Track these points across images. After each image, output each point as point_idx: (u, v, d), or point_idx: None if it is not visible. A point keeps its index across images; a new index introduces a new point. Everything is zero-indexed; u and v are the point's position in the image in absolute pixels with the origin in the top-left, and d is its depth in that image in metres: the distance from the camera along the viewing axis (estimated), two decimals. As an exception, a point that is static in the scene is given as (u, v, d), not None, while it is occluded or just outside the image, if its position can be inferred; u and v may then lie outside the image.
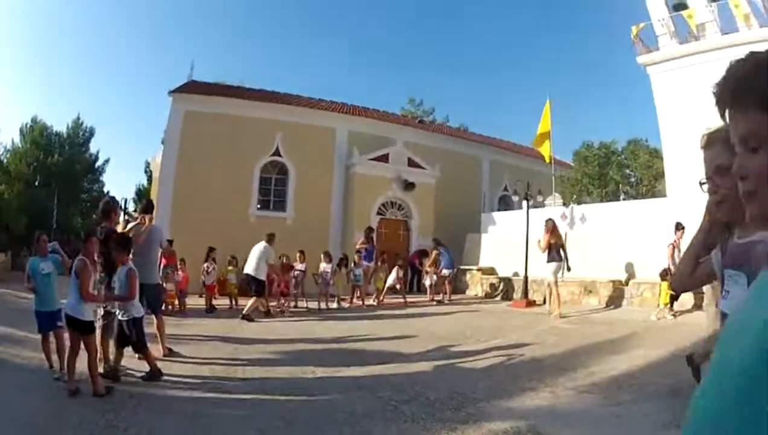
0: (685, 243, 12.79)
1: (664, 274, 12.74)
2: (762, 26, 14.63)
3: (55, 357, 7.04)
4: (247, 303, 13.75)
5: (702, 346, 6.99)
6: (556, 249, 14.71)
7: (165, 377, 6.97)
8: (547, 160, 22.01)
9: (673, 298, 12.86)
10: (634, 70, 17.36)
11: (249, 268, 14.39)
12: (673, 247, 12.84)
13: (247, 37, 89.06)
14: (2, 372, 6.92)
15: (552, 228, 15.00)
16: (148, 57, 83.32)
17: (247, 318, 13.18)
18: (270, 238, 14.96)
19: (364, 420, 5.54)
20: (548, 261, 14.69)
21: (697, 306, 12.58)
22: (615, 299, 15.64)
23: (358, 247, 18.03)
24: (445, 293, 18.38)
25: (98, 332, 7.00)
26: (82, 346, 6.18)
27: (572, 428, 5.20)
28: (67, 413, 5.30)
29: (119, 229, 8.79)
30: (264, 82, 79.52)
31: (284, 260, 16.29)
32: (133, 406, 5.76)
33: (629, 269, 15.85)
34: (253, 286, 14.25)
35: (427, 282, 19.06)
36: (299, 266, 16.56)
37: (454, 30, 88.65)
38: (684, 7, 16.14)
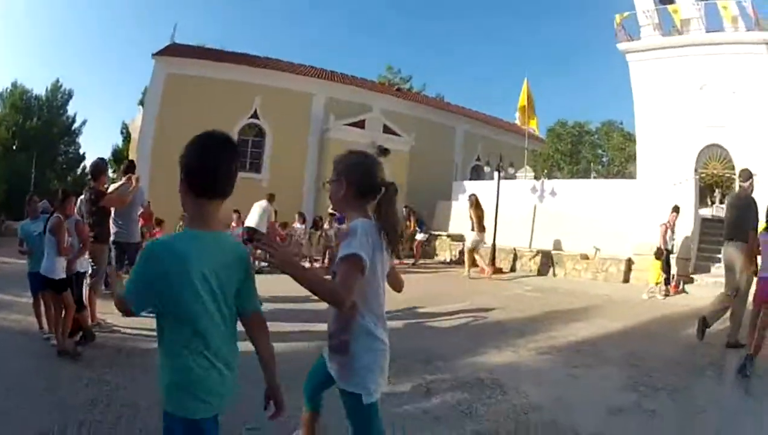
0: (678, 224, 13.26)
1: (659, 254, 13.00)
2: (748, 29, 14.98)
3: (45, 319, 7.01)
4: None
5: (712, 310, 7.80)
6: (478, 221, 16.39)
7: (151, 331, 6.96)
8: (536, 132, 22.61)
9: (667, 279, 13.14)
10: (614, 55, 17.60)
11: (251, 222, 14.80)
12: (666, 228, 13.17)
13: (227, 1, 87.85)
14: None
15: (475, 202, 16.66)
16: (126, 19, 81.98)
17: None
18: (270, 198, 15.42)
19: (336, 371, 5.84)
20: (471, 229, 16.44)
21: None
22: (580, 272, 16.13)
23: (330, 210, 18.31)
24: (416, 257, 18.83)
25: (86, 291, 7.20)
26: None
27: (532, 384, 5.55)
28: (58, 371, 5.38)
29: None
30: (244, 47, 78.95)
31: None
32: (122, 362, 5.89)
33: (595, 245, 16.26)
34: (249, 239, 14.44)
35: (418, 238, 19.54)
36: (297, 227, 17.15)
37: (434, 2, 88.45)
38: (671, 1, 16.39)
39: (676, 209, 13.44)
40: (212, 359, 2.33)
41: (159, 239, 2.71)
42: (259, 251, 12.05)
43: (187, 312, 2.26)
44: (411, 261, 18.62)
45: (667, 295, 12.91)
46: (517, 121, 27.68)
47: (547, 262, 17.03)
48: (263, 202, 15.22)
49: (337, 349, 2.99)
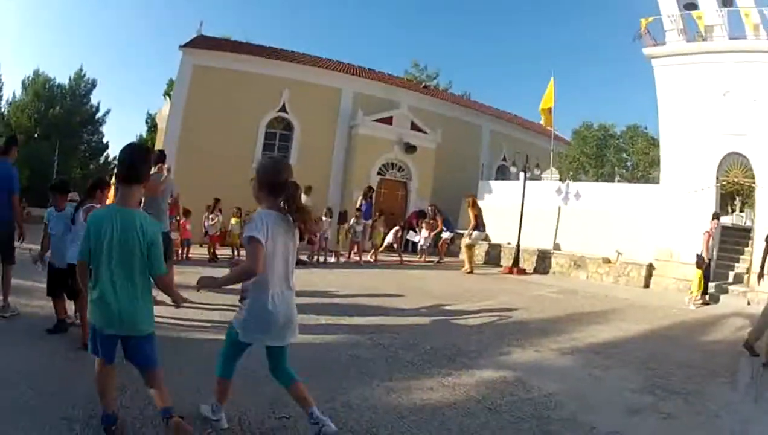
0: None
1: (701, 262, 12.85)
2: (770, 37, 14.97)
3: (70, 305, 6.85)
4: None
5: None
6: (480, 220, 17.51)
7: (178, 321, 7.10)
8: (549, 126, 22.76)
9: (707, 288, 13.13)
10: (639, 60, 17.56)
11: None
12: (709, 236, 13.03)
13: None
14: (13, 322, 6.85)
15: (472, 202, 17.97)
16: (153, 9, 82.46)
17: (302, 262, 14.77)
18: (308, 190, 15.91)
19: (367, 363, 6.12)
20: (474, 228, 17.49)
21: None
22: (602, 275, 16.28)
23: (357, 205, 18.57)
24: (441, 255, 19.00)
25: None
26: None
27: (554, 383, 5.77)
28: (84, 357, 4.95)
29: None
30: (269, 40, 79.14)
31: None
32: None
33: (618, 249, 16.37)
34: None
35: (420, 242, 19.50)
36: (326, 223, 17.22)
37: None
38: (694, 7, 16.33)
39: (716, 216, 13.41)
40: (101, 293, 3.58)
41: (94, 211, 4.16)
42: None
43: (93, 259, 3.62)
44: (436, 259, 18.79)
45: (706, 304, 12.83)
46: (542, 121, 27.72)
47: (570, 264, 17.18)
48: (302, 196, 15.48)
49: (241, 300, 5.09)
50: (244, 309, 3.97)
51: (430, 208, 20.47)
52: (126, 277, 3.62)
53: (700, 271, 12.85)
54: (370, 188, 19.91)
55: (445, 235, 19.36)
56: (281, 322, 3.93)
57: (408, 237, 19.55)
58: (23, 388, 4.48)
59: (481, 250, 20.04)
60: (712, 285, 14.02)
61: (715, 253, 15.03)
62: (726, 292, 13.90)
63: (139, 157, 3.83)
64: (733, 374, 6.71)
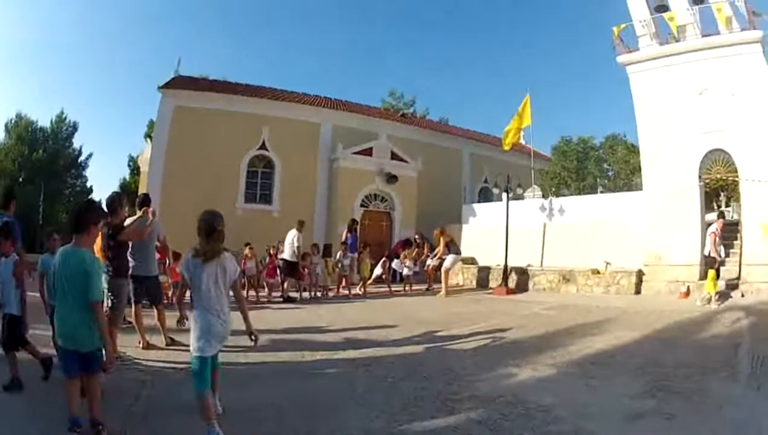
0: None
1: (711, 262, 12.96)
2: (743, 29, 15.11)
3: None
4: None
5: None
6: (452, 245, 17.90)
7: (172, 365, 7.19)
8: (506, 149, 22.93)
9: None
10: (614, 68, 17.69)
11: (286, 254, 16.30)
12: (715, 236, 13.12)
13: (228, 30, 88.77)
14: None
15: (441, 232, 18.25)
16: (128, 52, 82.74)
17: (288, 298, 15.59)
18: (300, 226, 16.64)
19: (365, 394, 6.08)
20: (450, 253, 17.67)
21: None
22: (592, 287, 16.30)
23: (343, 239, 18.56)
24: (430, 282, 18.79)
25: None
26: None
27: (553, 397, 5.74)
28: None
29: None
30: (246, 77, 79.44)
31: (271, 250, 16.78)
32: (146, 393, 6.01)
33: (606, 259, 16.42)
34: (286, 270, 16.31)
35: (404, 271, 19.17)
36: (315, 259, 17.26)
37: (433, 23, 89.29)
38: (665, 9, 16.54)
39: (721, 215, 13.61)
40: (58, 321, 4.65)
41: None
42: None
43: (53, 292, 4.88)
44: (424, 286, 18.69)
45: (719, 304, 12.73)
46: (521, 141, 27.82)
47: (559, 279, 17.20)
48: (293, 231, 16.31)
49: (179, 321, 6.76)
50: (191, 334, 5.01)
51: (416, 236, 20.47)
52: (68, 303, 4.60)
53: (712, 271, 12.88)
54: (354, 221, 19.88)
55: (447, 261, 18.01)
56: (220, 332, 5.12)
57: (393, 266, 19.41)
58: None
59: (469, 274, 20.07)
60: (704, 282, 14.15)
61: (723, 251, 15.12)
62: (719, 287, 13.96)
63: (80, 212, 4.90)
64: (732, 368, 6.74)
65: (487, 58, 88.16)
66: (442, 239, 18.11)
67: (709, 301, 12.71)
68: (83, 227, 4.77)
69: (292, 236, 16.32)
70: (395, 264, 19.38)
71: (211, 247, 5.07)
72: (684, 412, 5.15)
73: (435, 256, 18.35)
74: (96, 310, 4.57)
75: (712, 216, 16.78)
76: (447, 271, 17.52)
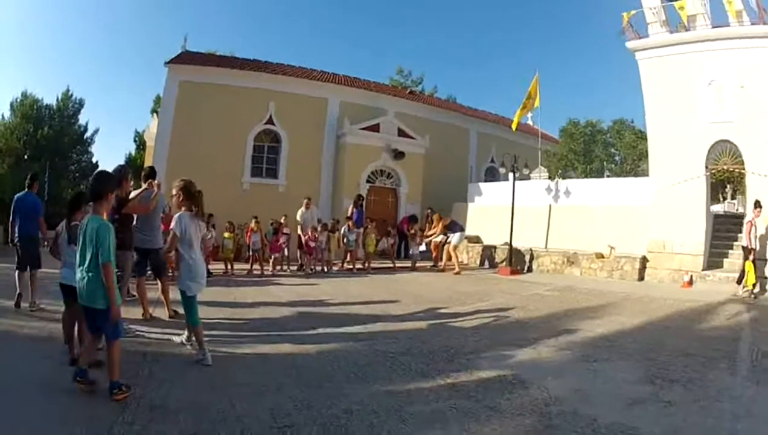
0: (761, 220, 13.11)
1: (747, 253, 12.73)
2: (753, 23, 14.95)
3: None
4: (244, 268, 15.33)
5: None
6: (451, 224, 18.41)
7: (176, 338, 7.10)
8: (514, 129, 22.87)
9: (740, 278, 12.93)
10: (623, 53, 17.52)
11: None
12: (751, 224, 12.96)
13: (235, 6, 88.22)
14: (13, 344, 6.84)
15: (439, 217, 19.01)
16: (136, 27, 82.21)
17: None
18: (307, 202, 17.78)
19: (367, 368, 6.14)
20: (453, 232, 18.15)
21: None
22: (596, 271, 16.31)
23: (348, 214, 18.59)
24: (438, 260, 18.86)
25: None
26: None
27: (553, 378, 5.78)
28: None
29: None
30: (253, 53, 79.04)
31: (277, 225, 16.86)
32: (149, 364, 6.01)
33: (610, 243, 16.41)
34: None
35: (422, 248, 19.31)
36: (285, 230, 17.23)
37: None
38: (677, -2, 16.40)
39: (757, 204, 13.13)
40: (78, 281, 5.02)
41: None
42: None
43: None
44: (430, 264, 18.70)
45: (755, 296, 12.51)
46: (530, 122, 27.76)
47: (563, 261, 17.22)
48: (301, 209, 17.15)
49: (176, 268, 7.39)
50: (180, 275, 6.46)
51: (428, 211, 20.56)
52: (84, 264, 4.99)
53: (749, 262, 12.67)
54: (360, 196, 19.92)
55: (454, 239, 18.31)
56: (201, 272, 6.45)
57: (412, 251, 19.30)
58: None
59: (474, 252, 20.13)
60: (708, 272, 14.13)
61: (707, 242, 15.07)
62: (722, 279, 13.98)
63: (97, 181, 5.33)
64: (732, 360, 6.73)
65: (496, 37, 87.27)
66: (441, 223, 18.62)
67: (751, 293, 12.51)
68: (100, 195, 5.13)
69: (300, 213, 17.02)
70: (412, 249, 19.22)
71: (199, 205, 6.62)
72: (682, 400, 5.16)
73: (433, 234, 18.79)
74: (106, 271, 4.87)
75: (717, 208, 16.69)
76: (455, 248, 17.75)
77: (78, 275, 5.00)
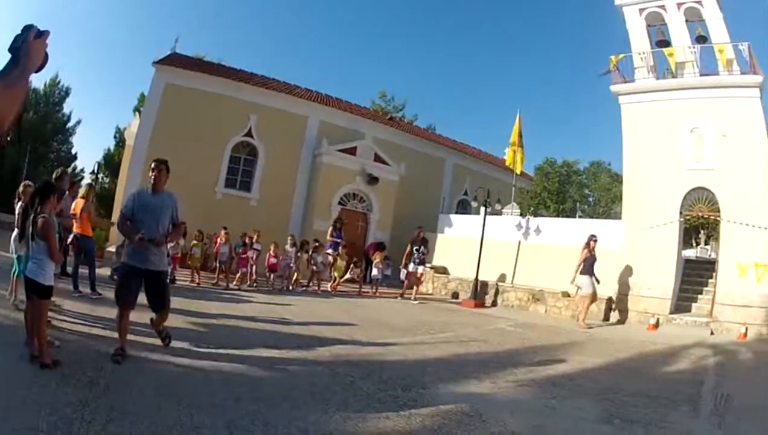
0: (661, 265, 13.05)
1: None
2: (743, 72, 15.13)
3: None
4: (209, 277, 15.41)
5: None
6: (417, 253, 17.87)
7: (138, 341, 7.07)
8: (518, 171, 22.99)
9: None
10: (603, 94, 17.59)
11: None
12: None
13: (228, 15, 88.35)
14: None
15: (409, 251, 18.35)
16: (128, 26, 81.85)
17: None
18: (304, 245, 17.93)
19: (324, 392, 6.01)
20: (418, 263, 17.83)
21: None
22: (561, 309, 16.34)
23: (328, 237, 18.56)
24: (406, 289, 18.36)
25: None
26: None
27: (511, 414, 5.72)
28: (47, 371, 5.39)
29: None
30: (241, 63, 78.90)
31: (246, 239, 16.72)
32: (110, 367, 5.90)
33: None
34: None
35: (374, 273, 18.71)
36: (256, 245, 17.03)
37: (432, 30, 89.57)
38: (667, 44, 16.57)
39: None
40: None
41: None
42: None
43: None
44: (400, 291, 18.37)
45: None
46: (506, 157, 27.94)
47: (528, 298, 17.24)
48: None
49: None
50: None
51: (418, 230, 19.09)
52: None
53: None
54: (341, 220, 19.88)
55: (419, 268, 18.07)
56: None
57: (374, 271, 18.98)
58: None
59: (439, 283, 20.13)
60: (675, 316, 14.24)
61: (676, 286, 15.18)
62: (689, 323, 14.08)
63: None
64: (695, 403, 6.74)
65: (480, 69, 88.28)
66: (407, 252, 18.42)
67: None
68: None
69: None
70: (374, 271, 18.94)
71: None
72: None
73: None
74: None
75: (689, 253, 16.80)
76: (418, 277, 17.89)
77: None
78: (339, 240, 18.62)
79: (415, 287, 17.71)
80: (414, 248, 18.17)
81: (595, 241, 14.89)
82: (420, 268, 18.03)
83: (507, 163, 24.16)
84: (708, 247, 26.07)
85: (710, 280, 15.55)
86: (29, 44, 1.97)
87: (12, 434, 3.85)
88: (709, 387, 7.56)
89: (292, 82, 26.87)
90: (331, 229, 19.00)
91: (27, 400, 4.57)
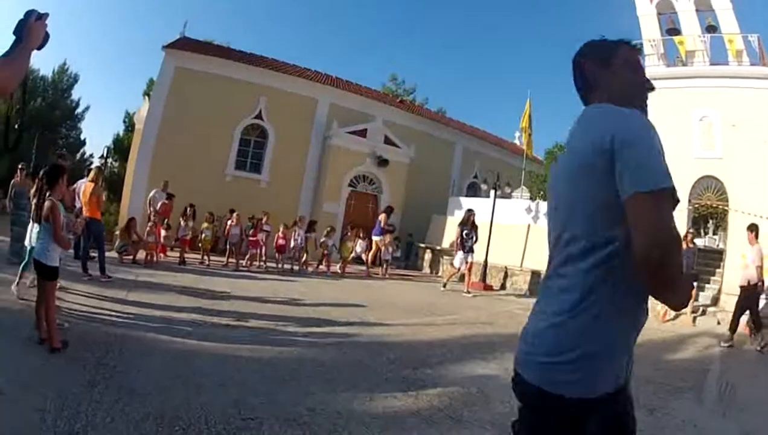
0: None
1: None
2: (753, 63, 15.13)
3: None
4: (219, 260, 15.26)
5: None
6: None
7: (146, 323, 7.23)
8: (530, 155, 22.94)
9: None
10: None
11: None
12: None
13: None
14: None
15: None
16: (137, 9, 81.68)
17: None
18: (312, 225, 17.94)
19: (332, 371, 6.10)
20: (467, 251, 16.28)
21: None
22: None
23: (383, 224, 18.76)
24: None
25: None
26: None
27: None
28: (57, 354, 5.40)
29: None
30: (250, 46, 78.82)
31: (255, 221, 16.81)
32: (118, 348, 5.94)
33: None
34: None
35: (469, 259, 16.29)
36: (266, 227, 17.13)
37: (445, 12, 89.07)
38: (677, 32, 16.49)
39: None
40: None
41: None
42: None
43: None
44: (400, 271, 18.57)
45: None
46: (516, 141, 27.84)
47: (537, 281, 17.23)
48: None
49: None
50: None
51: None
52: None
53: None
54: (390, 207, 20.64)
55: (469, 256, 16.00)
56: None
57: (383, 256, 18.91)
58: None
59: (448, 266, 20.16)
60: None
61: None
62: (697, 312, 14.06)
63: None
64: (700, 391, 6.79)
65: (492, 57, 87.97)
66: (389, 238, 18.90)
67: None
68: None
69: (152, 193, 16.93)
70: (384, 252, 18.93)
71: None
72: (645, 425, 5.13)
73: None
74: None
75: (698, 242, 16.72)
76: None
77: None
78: (390, 228, 18.71)
79: (466, 278, 15.92)
80: (464, 232, 15.92)
81: None
82: (470, 257, 15.88)
83: (523, 142, 24.09)
84: (716, 236, 25.95)
85: (718, 270, 15.52)
86: (30, 25, 2.25)
87: (21, 415, 3.88)
88: (714, 376, 7.59)
89: (301, 64, 26.76)
90: (384, 215, 19.20)
91: (35, 382, 4.63)
